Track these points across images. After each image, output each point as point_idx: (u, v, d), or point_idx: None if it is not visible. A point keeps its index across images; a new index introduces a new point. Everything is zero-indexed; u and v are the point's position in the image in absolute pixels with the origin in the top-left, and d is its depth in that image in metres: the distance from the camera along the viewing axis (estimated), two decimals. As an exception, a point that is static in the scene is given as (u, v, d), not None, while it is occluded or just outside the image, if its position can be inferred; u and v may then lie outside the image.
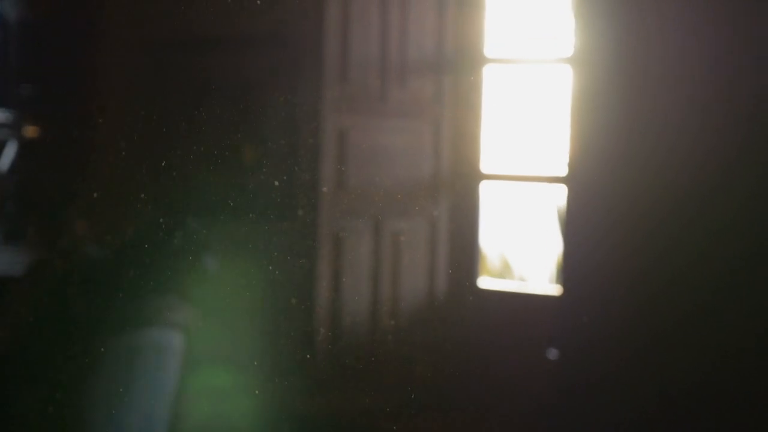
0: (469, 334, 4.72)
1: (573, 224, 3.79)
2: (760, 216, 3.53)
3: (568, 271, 3.81)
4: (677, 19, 3.61)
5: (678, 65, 3.63)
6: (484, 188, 4.85)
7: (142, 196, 4.28)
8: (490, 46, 4.74)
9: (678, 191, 3.61)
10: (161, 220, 4.25)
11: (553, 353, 3.92)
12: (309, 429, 4.50)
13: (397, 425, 4.50)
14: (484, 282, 4.83)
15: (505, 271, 6.01)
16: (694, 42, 3.63)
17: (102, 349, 3.92)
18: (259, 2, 4.51)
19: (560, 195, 4.00)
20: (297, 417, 4.51)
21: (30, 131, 4.45)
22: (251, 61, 4.55)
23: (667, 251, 3.63)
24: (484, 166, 4.77)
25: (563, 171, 3.88)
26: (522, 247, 5.54)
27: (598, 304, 3.75)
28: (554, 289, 4.15)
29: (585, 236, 3.76)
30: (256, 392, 4.38)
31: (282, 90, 4.51)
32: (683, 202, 3.61)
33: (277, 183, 4.47)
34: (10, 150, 4.37)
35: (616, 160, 3.70)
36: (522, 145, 4.96)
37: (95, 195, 4.24)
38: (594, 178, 3.73)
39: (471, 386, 4.69)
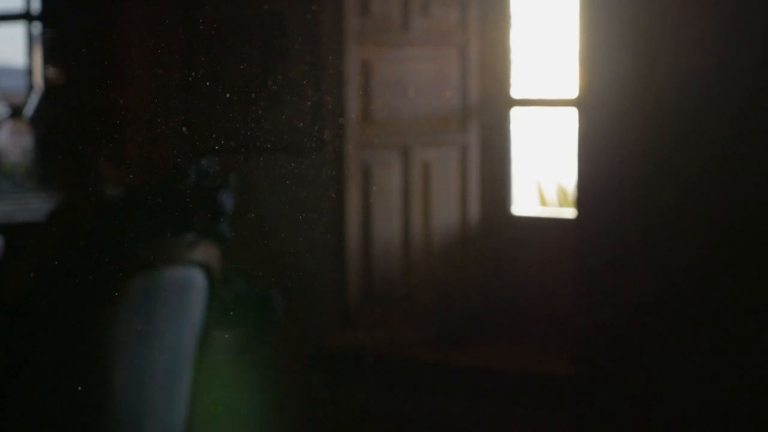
0: (502, 261, 4.69)
1: (586, 147, 3.71)
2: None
3: (582, 194, 3.75)
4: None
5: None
6: (520, 114, 4.79)
7: (166, 135, 4.30)
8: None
9: (689, 111, 3.52)
10: (184, 158, 4.28)
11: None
12: (342, 361, 4.52)
13: (432, 356, 4.49)
14: (518, 209, 4.78)
15: (562, 199, 5.94)
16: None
17: (125, 289, 3.96)
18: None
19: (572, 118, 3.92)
20: (330, 349, 4.53)
21: (54, 75, 4.49)
22: (273, -4, 4.53)
23: (678, 172, 3.55)
24: (515, 92, 4.70)
25: (575, 94, 3.80)
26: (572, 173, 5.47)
27: (611, 224, 3.69)
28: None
29: (598, 159, 3.69)
30: (287, 327, 4.41)
31: (304, 23, 4.48)
32: (694, 121, 3.52)
33: (302, 116, 4.47)
34: (38, 97, 4.42)
35: (626, 82, 3.61)
36: (552, 70, 4.88)
37: (118, 136, 4.27)
38: (605, 100, 3.65)
39: (504, 314, 4.67)
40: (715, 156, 3.53)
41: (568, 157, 5.50)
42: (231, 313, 4.19)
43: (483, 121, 4.69)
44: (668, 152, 3.59)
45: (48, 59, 4.47)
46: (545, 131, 5.27)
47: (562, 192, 5.95)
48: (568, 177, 5.69)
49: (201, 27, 4.54)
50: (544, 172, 5.85)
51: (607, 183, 3.71)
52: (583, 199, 3.78)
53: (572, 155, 4.68)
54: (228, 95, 4.35)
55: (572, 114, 4.45)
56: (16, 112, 4.41)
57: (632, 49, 3.61)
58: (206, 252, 4.10)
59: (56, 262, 4.00)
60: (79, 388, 3.93)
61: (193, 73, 4.45)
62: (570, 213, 4.66)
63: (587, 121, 3.75)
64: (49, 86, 4.44)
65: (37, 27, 4.52)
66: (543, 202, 5.90)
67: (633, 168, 3.66)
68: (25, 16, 4.60)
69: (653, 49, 3.58)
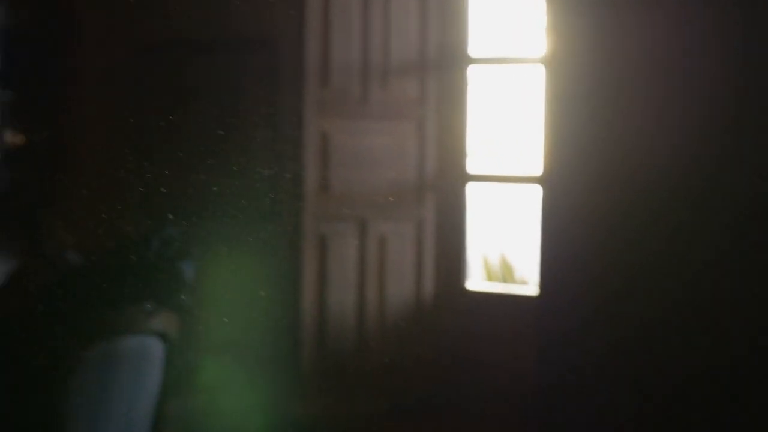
0: (456, 336, 4.70)
1: (549, 224, 3.75)
2: (735, 212, 3.49)
3: (545, 271, 3.77)
4: (651, 18, 3.57)
5: (652, 65, 3.59)
6: (474, 189, 4.82)
7: (124, 201, 4.27)
8: (474, 46, 4.72)
9: (651, 189, 3.57)
10: (142, 226, 4.25)
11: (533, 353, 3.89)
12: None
13: (384, 430, 4.47)
14: (473, 284, 4.80)
15: (506, 274, 5.98)
16: (668, 41, 3.59)
17: (82, 356, 3.90)
18: (241, 7, 4.50)
19: (537, 195, 3.95)
20: (282, 420, 4.49)
21: (12, 138, 4.45)
22: (234, 65, 4.54)
23: (641, 248, 3.60)
24: (470, 167, 4.74)
25: (539, 171, 3.84)
26: (521, 249, 5.51)
27: (574, 301, 3.71)
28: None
29: (561, 236, 3.72)
30: (241, 396, 4.37)
31: (264, 94, 4.49)
32: (657, 200, 3.57)
33: (260, 186, 4.46)
34: (-8, 158, 4.38)
35: (591, 160, 3.66)
36: (508, 145, 4.94)
37: (76, 201, 4.23)
38: (569, 177, 3.69)
39: (458, 389, 4.66)
40: (679, 237, 3.57)
41: (516, 232, 5.57)
42: (187, 381, 4.15)
43: (439, 196, 4.72)
44: (633, 232, 3.63)
45: (5, 120, 4.44)
46: (497, 206, 5.34)
47: (506, 266, 6.00)
48: (514, 251, 5.75)
49: (159, 95, 4.54)
50: (491, 246, 5.90)
51: (570, 261, 3.74)
52: (545, 277, 3.80)
53: (523, 230, 4.72)
54: (186, 163, 4.34)
55: (532, 190, 4.51)
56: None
57: (599, 128, 3.66)
58: (165, 321, 4.06)
59: (12, 328, 3.94)
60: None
61: (151, 141, 4.43)
62: (524, 289, 4.69)
63: (551, 198, 3.78)
64: (7, 149, 4.40)
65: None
66: (489, 276, 5.94)
67: (597, 247, 3.70)
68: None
69: (621, 128, 3.63)
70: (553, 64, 3.75)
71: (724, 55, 3.50)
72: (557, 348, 3.82)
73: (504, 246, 5.91)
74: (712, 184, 3.53)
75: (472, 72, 4.72)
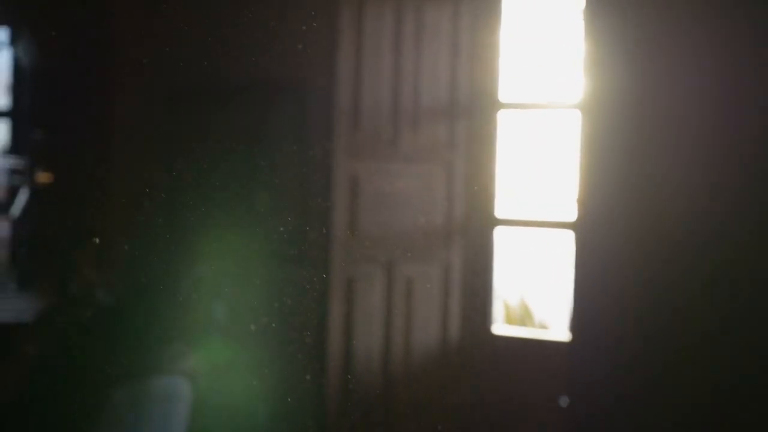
0: (483, 380, 4.68)
1: (582, 270, 3.74)
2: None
3: (577, 317, 3.76)
4: (684, 66, 3.58)
5: (685, 111, 3.59)
6: (499, 233, 4.82)
7: (153, 241, 4.27)
8: (504, 91, 4.73)
9: (688, 236, 3.57)
10: (171, 268, 4.24)
11: (564, 400, 3.87)
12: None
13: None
14: (499, 328, 4.78)
15: (525, 318, 5.97)
16: (701, 88, 3.59)
17: (110, 397, 3.90)
18: (273, 50, 4.51)
19: (570, 240, 3.95)
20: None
21: (42, 178, 4.45)
22: (265, 108, 4.54)
23: (675, 296, 3.58)
24: (499, 211, 4.74)
25: (572, 216, 3.84)
26: (542, 293, 5.50)
27: (607, 349, 3.70)
28: (567, 336, 4.10)
29: (594, 282, 3.72)
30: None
31: (294, 136, 4.50)
32: (693, 246, 3.56)
33: (289, 228, 4.46)
34: (23, 196, 4.38)
35: (626, 205, 3.66)
36: (536, 190, 4.94)
37: (106, 243, 4.23)
38: (603, 223, 3.69)
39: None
40: (716, 285, 3.56)
41: (538, 276, 5.55)
42: (214, 423, 4.14)
43: (467, 239, 4.72)
44: (668, 278, 3.62)
45: (36, 160, 4.44)
46: (520, 250, 5.32)
47: (525, 309, 5.98)
48: (534, 295, 5.73)
49: (189, 138, 4.54)
50: (511, 289, 5.89)
51: (603, 308, 3.73)
52: (577, 323, 3.79)
53: (544, 274, 4.71)
54: (214, 204, 4.34)
55: (558, 235, 4.51)
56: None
57: (635, 173, 3.66)
58: (194, 362, 4.05)
59: (39, 367, 3.93)
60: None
61: (181, 183, 4.44)
62: (553, 334, 4.68)
63: (585, 244, 3.78)
64: (36, 187, 4.40)
65: (25, 126, 4.49)
66: (508, 319, 5.93)
67: (630, 294, 3.69)
68: (10, 114, 4.57)
69: (657, 173, 3.63)
70: (589, 109, 3.75)
71: (763, 102, 3.49)
72: (587, 395, 3.80)
73: (523, 289, 5.90)
74: (753, 230, 3.52)
75: (502, 117, 4.73)
